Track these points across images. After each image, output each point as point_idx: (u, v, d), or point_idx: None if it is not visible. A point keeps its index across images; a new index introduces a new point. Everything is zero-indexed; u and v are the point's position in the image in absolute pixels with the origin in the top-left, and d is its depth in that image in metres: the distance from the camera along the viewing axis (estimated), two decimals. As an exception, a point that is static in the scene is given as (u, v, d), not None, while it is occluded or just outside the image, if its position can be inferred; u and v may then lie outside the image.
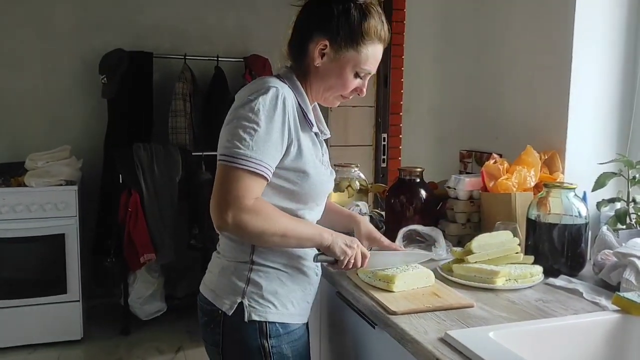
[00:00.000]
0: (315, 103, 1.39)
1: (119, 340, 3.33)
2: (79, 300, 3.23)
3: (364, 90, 1.34)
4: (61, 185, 3.18)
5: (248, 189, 1.16)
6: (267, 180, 1.21)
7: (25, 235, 3.10)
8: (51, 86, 3.67)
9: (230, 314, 1.26)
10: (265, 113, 1.18)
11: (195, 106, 3.64)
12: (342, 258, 1.26)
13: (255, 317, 1.26)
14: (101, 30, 3.69)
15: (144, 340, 3.34)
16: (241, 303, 1.26)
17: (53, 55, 3.65)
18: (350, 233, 1.57)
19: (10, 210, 3.07)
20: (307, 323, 1.40)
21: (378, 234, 1.52)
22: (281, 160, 1.23)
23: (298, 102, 1.28)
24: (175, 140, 3.54)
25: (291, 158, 1.24)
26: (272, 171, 1.21)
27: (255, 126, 1.17)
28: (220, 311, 1.27)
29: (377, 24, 1.28)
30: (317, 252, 1.30)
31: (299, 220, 1.27)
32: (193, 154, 3.52)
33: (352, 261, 1.28)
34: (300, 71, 1.32)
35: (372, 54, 1.29)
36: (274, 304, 1.28)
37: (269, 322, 1.27)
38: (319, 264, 1.39)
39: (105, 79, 3.48)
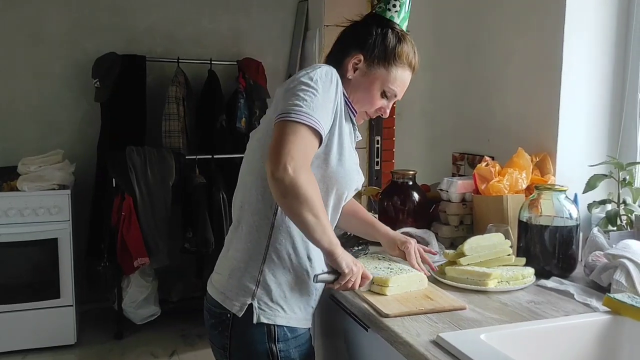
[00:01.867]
0: None
1: (112, 345, 3.32)
2: (72, 305, 3.22)
3: (388, 111, 1.42)
4: (54, 189, 3.16)
5: (308, 149, 1.18)
6: (320, 143, 1.22)
7: (18, 240, 3.09)
8: (44, 90, 3.66)
9: (240, 315, 1.26)
10: (322, 83, 1.23)
11: (189, 109, 3.63)
12: (346, 271, 1.23)
13: (264, 320, 1.26)
14: (94, 34, 3.68)
15: (138, 344, 3.33)
16: (251, 305, 1.26)
17: (45, 59, 3.64)
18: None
19: (3, 214, 3.06)
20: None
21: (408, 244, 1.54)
22: (327, 137, 1.26)
23: (343, 92, 1.34)
24: (169, 144, 3.53)
25: (333, 137, 1.27)
26: (325, 135, 1.23)
27: (314, 91, 1.21)
28: (229, 314, 1.28)
29: (410, 51, 1.38)
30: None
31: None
32: (187, 157, 3.52)
33: (353, 280, 1.26)
34: None
35: (401, 77, 1.37)
36: (282, 308, 1.28)
37: (277, 325, 1.27)
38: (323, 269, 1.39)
39: (98, 82, 3.47)
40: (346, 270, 1.23)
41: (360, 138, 1.46)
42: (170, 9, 3.86)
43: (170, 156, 3.41)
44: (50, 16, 3.63)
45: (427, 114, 2.62)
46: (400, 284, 1.36)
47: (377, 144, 4.05)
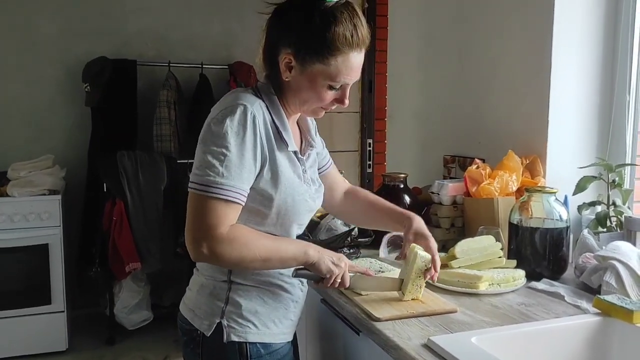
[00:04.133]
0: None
1: (104, 351, 3.30)
2: (63, 311, 3.19)
3: (346, 100, 1.22)
4: (44, 194, 3.14)
5: (221, 217, 1.10)
6: (242, 205, 1.14)
7: (9, 245, 3.06)
8: (34, 95, 3.63)
9: (208, 334, 1.21)
10: (234, 135, 1.12)
11: (180, 113, 3.62)
12: (327, 277, 1.20)
13: (234, 338, 1.20)
14: (84, 38, 3.66)
15: (130, 350, 3.31)
16: (220, 323, 1.21)
17: (36, 63, 3.62)
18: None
19: (-7, 220, 3.04)
20: (293, 340, 1.35)
21: (427, 232, 1.36)
22: (255, 181, 1.17)
23: (273, 119, 1.20)
24: (160, 148, 3.52)
25: (265, 180, 1.17)
26: (247, 195, 1.15)
27: (224, 150, 1.11)
28: (199, 331, 1.23)
29: (346, 30, 1.13)
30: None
31: (281, 239, 1.21)
32: (178, 161, 3.50)
33: (339, 280, 1.21)
34: (275, 84, 1.24)
35: (344, 64, 1.15)
36: (254, 324, 1.22)
37: (249, 342, 1.21)
38: (304, 280, 1.37)
39: (88, 87, 3.45)
40: (327, 276, 1.20)
41: (316, 148, 1.35)
42: (161, 12, 3.84)
43: (161, 160, 3.40)
44: (40, 20, 3.61)
45: (419, 116, 2.62)
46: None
47: (369, 146, 4.06)
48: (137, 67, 3.60)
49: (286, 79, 1.20)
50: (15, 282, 3.14)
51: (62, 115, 3.70)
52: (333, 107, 1.24)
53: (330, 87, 1.19)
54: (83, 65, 3.53)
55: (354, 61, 1.17)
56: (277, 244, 1.17)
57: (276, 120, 1.20)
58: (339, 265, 1.21)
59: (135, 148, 3.49)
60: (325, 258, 1.20)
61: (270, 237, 1.19)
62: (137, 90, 3.61)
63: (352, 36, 1.14)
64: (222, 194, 1.10)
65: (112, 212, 3.22)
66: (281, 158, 1.20)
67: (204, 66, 3.76)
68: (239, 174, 1.12)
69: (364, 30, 1.16)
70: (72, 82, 3.63)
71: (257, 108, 1.16)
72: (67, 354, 3.21)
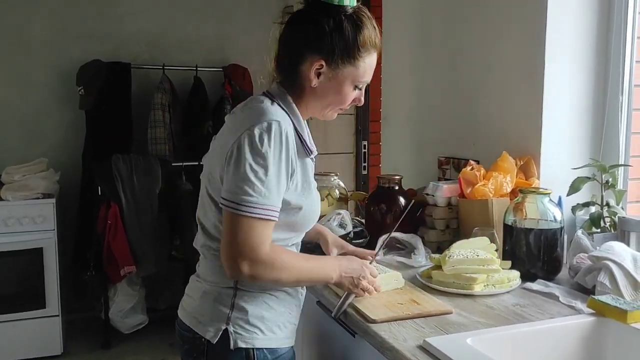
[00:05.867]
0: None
1: (100, 355, 3.29)
2: (58, 315, 3.18)
3: (362, 99, 1.30)
4: (38, 198, 3.13)
5: (263, 237, 1.13)
6: (275, 220, 1.16)
7: (3, 250, 3.05)
8: (28, 98, 3.62)
9: (214, 342, 1.20)
10: (272, 154, 1.13)
11: (175, 116, 3.62)
12: (354, 291, 1.30)
13: (241, 344, 1.20)
14: (78, 41, 3.66)
15: (126, 354, 3.30)
16: (226, 330, 1.20)
17: (29, 66, 3.61)
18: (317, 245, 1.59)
19: (-13, 224, 3.02)
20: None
21: (344, 242, 1.59)
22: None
23: (296, 128, 1.23)
24: (155, 151, 3.52)
25: (290, 192, 1.20)
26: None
27: (265, 170, 1.12)
28: (203, 339, 1.21)
29: (371, 32, 1.22)
30: None
31: (315, 260, 1.29)
32: (173, 164, 3.50)
33: (367, 289, 1.30)
34: (293, 91, 1.25)
35: (370, 64, 1.24)
36: (260, 329, 1.22)
37: (256, 348, 1.21)
38: None
39: (82, 90, 3.45)
40: (354, 291, 1.29)
41: (317, 153, 1.34)
42: (156, 15, 3.84)
43: (156, 163, 3.40)
44: (34, 23, 3.60)
45: (413, 118, 2.63)
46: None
47: (364, 148, 4.07)
48: (131, 70, 3.60)
49: (314, 86, 1.23)
50: (9, 286, 3.13)
51: (56, 118, 3.69)
52: (348, 108, 1.30)
53: (355, 87, 1.26)
54: (77, 68, 3.52)
55: (375, 61, 1.26)
56: (309, 267, 1.25)
57: (298, 129, 1.24)
58: (357, 285, 1.29)
59: (130, 151, 3.49)
60: (347, 276, 1.28)
61: (305, 258, 1.27)
62: (132, 93, 3.61)
63: (375, 37, 1.23)
64: (260, 214, 1.12)
65: (106, 215, 3.22)
66: (304, 167, 1.25)
67: (198, 69, 3.76)
68: (276, 192, 1.15)
69: (378, 31, 1.25)
70: (66, 85, 3.62)
71: (287, 123, 1.19)
72: (62, 358, 3.21)
